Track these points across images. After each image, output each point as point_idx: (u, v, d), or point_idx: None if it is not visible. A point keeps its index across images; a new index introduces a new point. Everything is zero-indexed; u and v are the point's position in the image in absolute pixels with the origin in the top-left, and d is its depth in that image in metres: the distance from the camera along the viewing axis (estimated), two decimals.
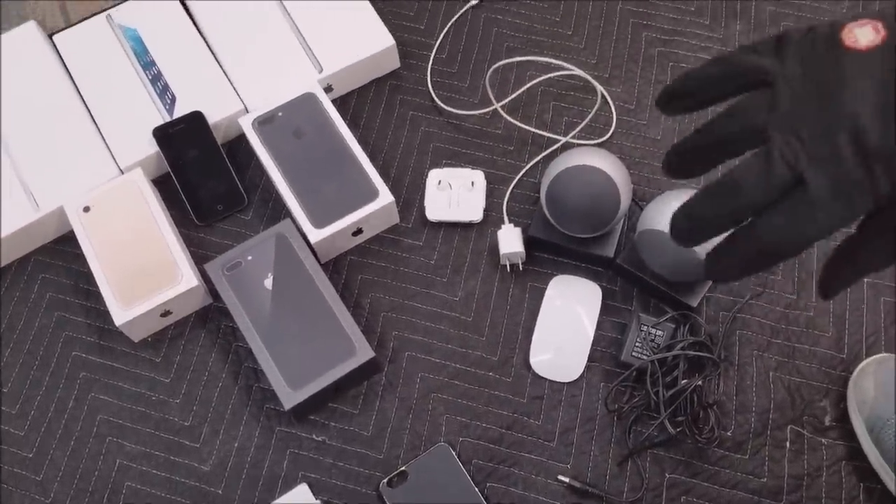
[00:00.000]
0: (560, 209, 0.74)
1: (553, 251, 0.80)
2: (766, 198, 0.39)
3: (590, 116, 0.84)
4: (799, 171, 0.38)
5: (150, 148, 0.83)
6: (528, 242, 0.79)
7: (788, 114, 0.39)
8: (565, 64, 0.85)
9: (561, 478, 0.71)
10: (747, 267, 0.41)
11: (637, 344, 0.74)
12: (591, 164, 0.72)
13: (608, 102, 0.87)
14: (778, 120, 0.39)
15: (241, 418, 0.75)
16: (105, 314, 0.79)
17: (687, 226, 0.42)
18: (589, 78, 0.83)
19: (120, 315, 0.75)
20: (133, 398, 0.76)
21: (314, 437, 0.74)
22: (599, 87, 0.84)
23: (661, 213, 0.71)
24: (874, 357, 0.73)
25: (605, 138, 0.85)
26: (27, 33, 0.88)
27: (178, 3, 0.90)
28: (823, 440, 0.72)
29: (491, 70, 0.83)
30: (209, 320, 0.79)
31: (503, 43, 0.91)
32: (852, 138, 0.37)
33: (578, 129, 0.84)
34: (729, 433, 0.73)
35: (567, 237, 0.77)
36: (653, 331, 0.74)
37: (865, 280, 0.77)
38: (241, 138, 0.87)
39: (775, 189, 0.38)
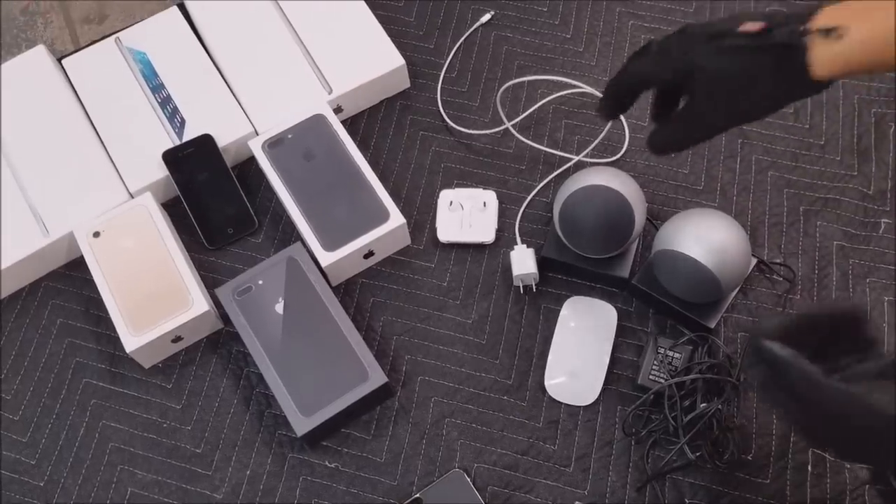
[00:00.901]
0: (573, 230, 0.73)
1: (567, 272, 0.79)
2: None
3: (602, 135, 0.83)
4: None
5: (160, 172, 0.82)
6: (542, 263, 0.78)
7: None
8: (576, 82, 0.84)
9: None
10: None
11: (654, 367, 0.73)
12: (604, 184, 0.71)
13: (620, 120, 0.86)
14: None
15: (253, 445, 0.74)
16: (116, 340, 0.78)
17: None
18: (600, 95, 0.82)
19: (131, 341, 0.74)
20: (144, 425, 0.76)
21: (327, 463, 0.73)
22: None
23: (678, 233, 0.70)
24: None
25: (617, 156, 0.84)
26: (36, 58, 0.88)
27: (186, 25, 0.90)
28: (846, 463, 0.70)
29: (502, 89, 0.82)
30: (220, 345, 0.79)
31: (514, 61, 0.91)
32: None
33: (591, 147, 0.83)
34: (749, 457, 0.71)
35: (581, 258, 0.76)
36: (670, 353, 0.73)
37: (867, 280, 0.76)
38: (251, 161, 0.86)
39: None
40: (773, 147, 0.84)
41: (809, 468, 0.70)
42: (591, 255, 0.75)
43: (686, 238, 0.70)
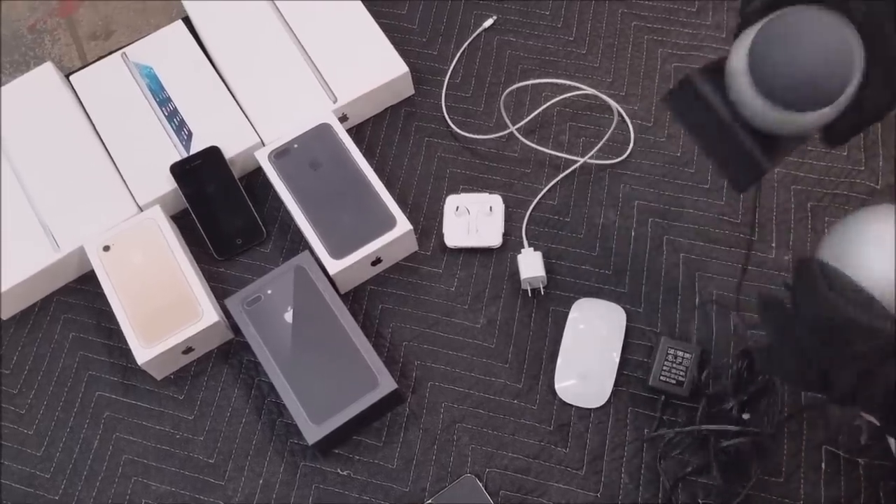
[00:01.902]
0: (774, 59, 0.50)
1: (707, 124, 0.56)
2: None
3: (607, 135, 0.83)
4: None
5: (168, 185, 0.83)
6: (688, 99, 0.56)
7: None
8: (579, 84, 0.84)
9: None
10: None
11: (665, 367, 0.73)
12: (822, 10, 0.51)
13: (625, 121, 0.86)
14: None
15: (266, 454, 0.75)
16: (128, 353, 0.79)
17: None
18: (604, 97, 0.83)
19: (142, 353, 0.75)
20: (157, 437, 0.76)
21: (339, 471, 0.73)
22: (615, 106, 0.83)
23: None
24: None
25: (623, 157, 0.84)
26: (44, 75, 0.89)
27: (192, 39, 0.91)
28: (860, 460, 0.70)
29: (505, 93, 0.83)
30: (231, 355, 0.79)
31: (517, 65, 0.91)
32: None
33: (596, 148, 0.83)
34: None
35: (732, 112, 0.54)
36: (679, 353, 0.73)
37: None
38: (259, 171, 0.87)
39: None
40: None
41: (823, 466, 0.70)
42: (790, 105, 0.51)
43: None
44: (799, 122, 0.51)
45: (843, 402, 0.51)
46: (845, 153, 0.82)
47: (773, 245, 0.79)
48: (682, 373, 0.72)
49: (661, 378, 0.72)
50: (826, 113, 0.51)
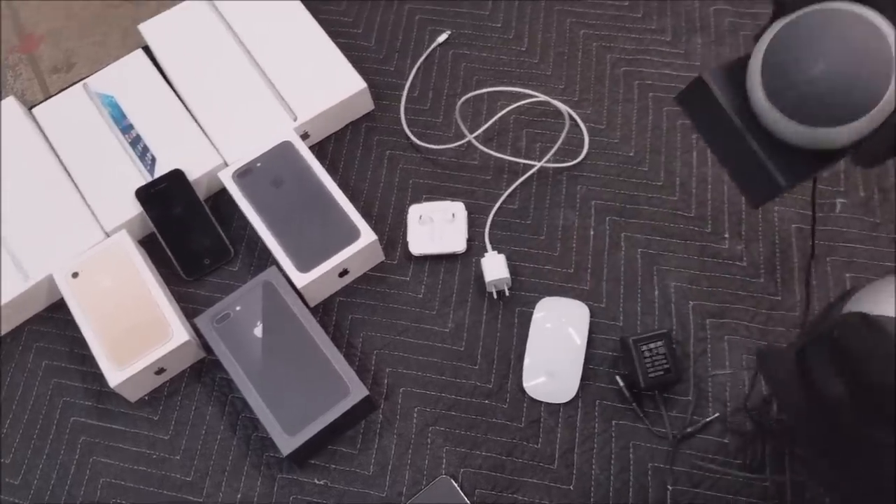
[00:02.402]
0: (795, 64, 0.43)
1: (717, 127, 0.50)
2: None
3: (560, 140, 0.85)
4: None
5: (134, 209, 0.84)
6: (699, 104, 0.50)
7: None
8: (532, 91, 0.87)
9: None
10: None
11: (647, 364, 0.73)
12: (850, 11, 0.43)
13: (578, 125, 0.89)
14: None
15: (242, 469, 0.75)
16: (101, 377, 0.80)
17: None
18: (556, 103, 0.85)
19: (114, 376, 0.75)
20: (134, 458, 0.77)
21: (316, 481, 0.74)
22: (566, 110, 0.86)
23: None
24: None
25: (578, 160, 0.87)
26: (8, 109, 0.90)
27: (152, 66, 0.92)
28: None
29: (460, 102, 0.85)
30: (204, 374, 0.80)
31: (472, 76, 0.93)
32: None
33: (552, 152, 0.86)
34: (726, 440, 0.73)
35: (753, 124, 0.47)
36: (652, 345, 0.74)
37: (828, 259, 0.78)
38: (224, 192, 0.88)
39: None
40: None
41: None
42: (808, 120, 0.44)
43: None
44: (820, 137, 0.43)
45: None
46: None
47: (727, 236, 0.82)
48: (663, 361, 0.73)
49: (651, 375, 0.73)
50: (856, 127, 0.42)
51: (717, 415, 0.73)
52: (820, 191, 0.83)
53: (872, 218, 0.81)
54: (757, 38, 0.47)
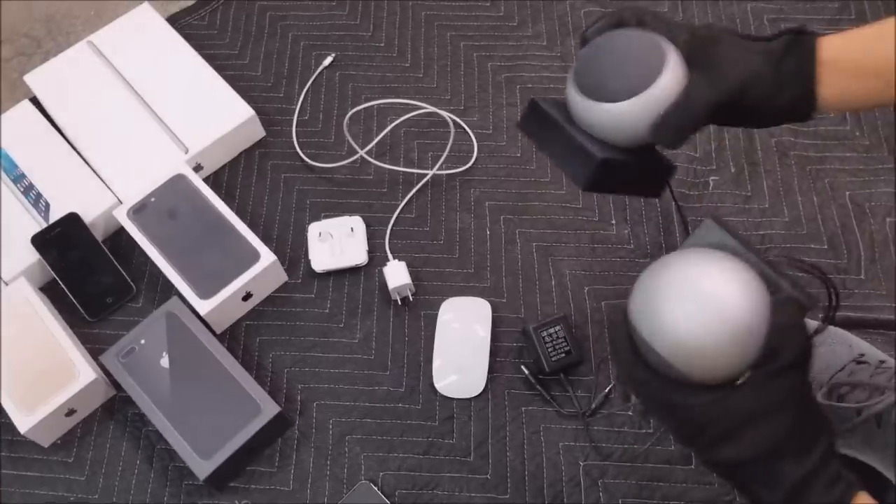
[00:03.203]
0: (595, 62, 0.58)
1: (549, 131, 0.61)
2: None
3: (448, 147, 0.88)
4: None
5: (32, 256, 0.84)
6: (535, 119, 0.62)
7: None
8: (419, 103, 0.90)
9: None
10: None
11: (549, 349, 0.76)
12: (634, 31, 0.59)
13: (467, 132, 0.92)
14: None
15: (163, 500, 0.75)
16: (11, 426, 0.78)
17: None
18: (442, 112, 0.88)
19: (23, 422, 0.75)
20: (52, 503, 0.76)
21: (237, 502, 0.75)
22: (451, 118, 0.89)
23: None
24: None
25: (469, 165, 0.90)
26: None
27: (39, 115, 0.93)
28: None
29: (347, 118, 0.87)
30: (116, 411, 0.80)
31: (360, 95, 0.96)
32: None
33: (441, 160, 0.89)
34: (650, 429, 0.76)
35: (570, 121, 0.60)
36: (551, 330, 0.77)
37: None
38: (123, 230, 0.88)
39: None
40: None
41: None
42: (606, 97, 0.57)
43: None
44: (615, 113, 0.56)
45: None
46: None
47: (614, 222, 0.86)
48: (564, 344, 0.76)
49: (553, 359, 0.76)
50: (636, 104, 0.56)
51: (612, 384, 0.76)
52: (694, 170, 0.87)
53: (744, 192, 0.86)
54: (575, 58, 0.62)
